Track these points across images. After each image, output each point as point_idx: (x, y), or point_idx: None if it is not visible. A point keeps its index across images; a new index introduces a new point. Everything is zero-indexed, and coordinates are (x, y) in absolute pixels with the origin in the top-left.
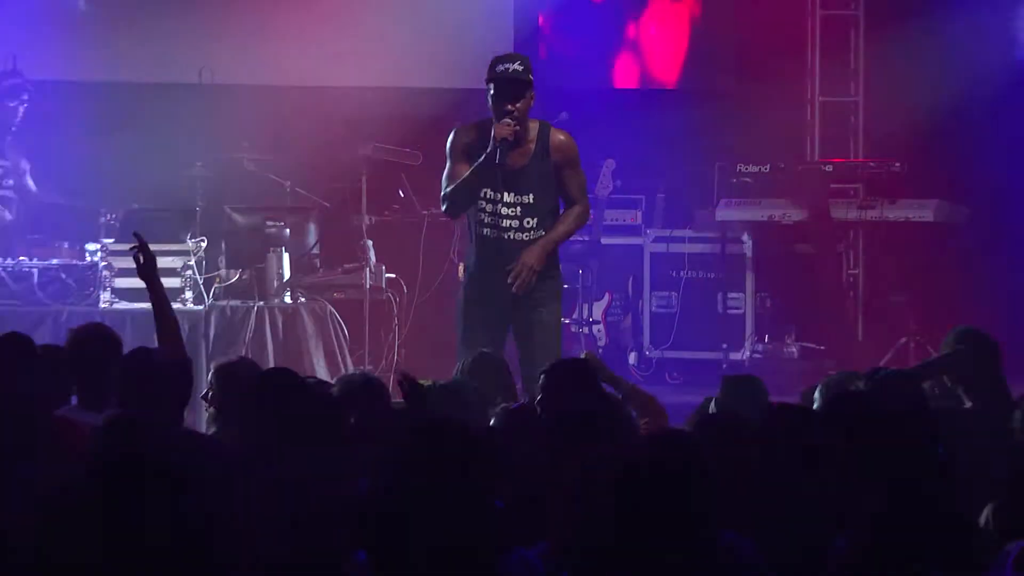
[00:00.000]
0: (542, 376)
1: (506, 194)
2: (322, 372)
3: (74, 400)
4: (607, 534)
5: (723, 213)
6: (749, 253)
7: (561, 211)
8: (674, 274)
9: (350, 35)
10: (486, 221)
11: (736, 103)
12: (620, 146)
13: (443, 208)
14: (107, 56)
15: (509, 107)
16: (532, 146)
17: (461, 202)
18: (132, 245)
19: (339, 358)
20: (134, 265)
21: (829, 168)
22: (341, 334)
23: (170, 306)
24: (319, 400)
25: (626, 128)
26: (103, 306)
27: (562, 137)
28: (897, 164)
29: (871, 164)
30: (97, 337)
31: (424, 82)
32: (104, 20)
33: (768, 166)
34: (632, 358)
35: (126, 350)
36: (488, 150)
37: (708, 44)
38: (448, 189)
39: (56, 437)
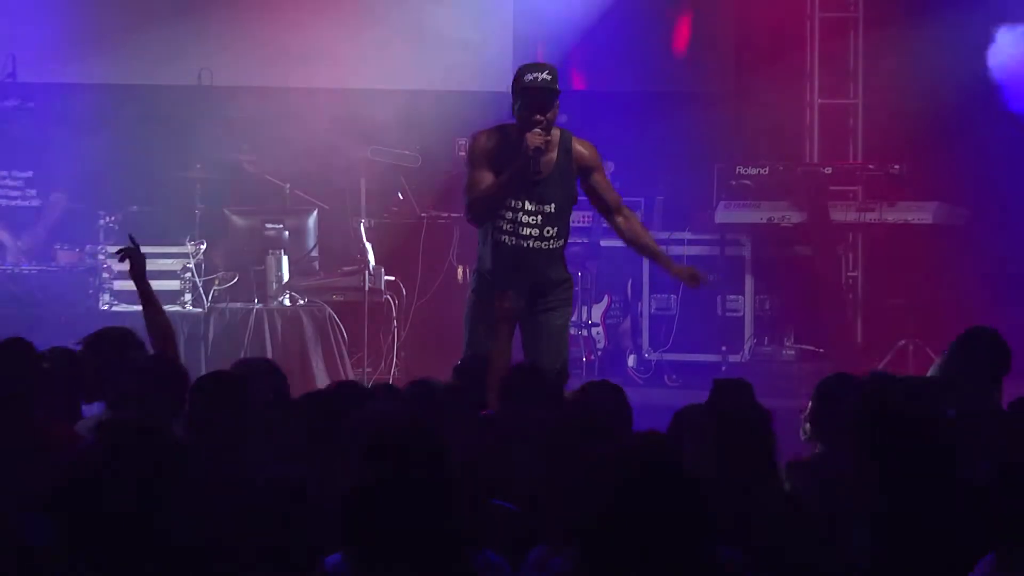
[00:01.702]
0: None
1: (527, 203)
2: (321, 374)
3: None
4: (601, 537)
5: (722, 215)
6: (748, 255)
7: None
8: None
9: (349, 38)
10: (505, 228)
11: (735, 105)
12: (619, 148)
13: (468, 216)
14: (107, 59)
15: (538, 117)
16: (554, 155)
17: (489, 211)
18: (120, 248)
19: (338, 360)
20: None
21: (828, 170)
22: (340, 336)
23: (161, 309)
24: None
25: (625, 130)
26: (103, 308)
27: (584, 148)
28: (896, 166)
29: (870, 166)
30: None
31: (423, 84)
32: (103, 23)
33: (767, 168)
34: (631, 360)
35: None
36: (521, 160)
37: (707, 46)
38: (475, 197)
39: (56, 444)
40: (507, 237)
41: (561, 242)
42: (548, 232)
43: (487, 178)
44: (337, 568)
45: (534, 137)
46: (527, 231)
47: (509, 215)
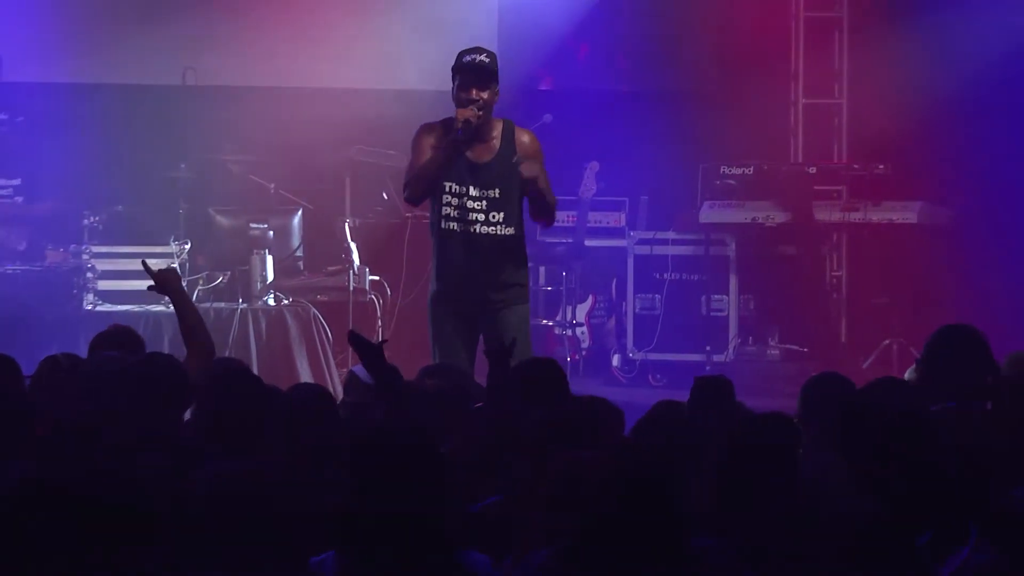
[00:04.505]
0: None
1: (472, 188)
2: (305, 374)
3: None
4: (583, 539)
5: (707, 215)
6: (733, 255)
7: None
8: (658, 276)
9: (334, 37)
10: (452, 215)
11: (720, 105)
12: (604, 148)
13: (405, 195)
14: (91, 58)
15: (474, 95)
16: (497, 143)
17: (423, 186)
18: (149, 285)
19: (322, 360)
20: (118, 268)
21: (813, 170)
22: (325, 336)
23: (195, 312)
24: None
25: (610, 130)
26: (87, 308)
27: (526, 136)
28: (881, 166)
29: (855, 166)
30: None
31: (408, 84)
32: (88, 22)
33: (752, 168)
34: (616, 360)
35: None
36: (451, 134)
37: (692, 46)
38: (411, 175)
39: None
40: (455, 224)
41: (510, 230)
42: (494, 217)
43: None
44: (323, 568)
45: (464, 111)
46: (473, 216)
47: (455, 201)
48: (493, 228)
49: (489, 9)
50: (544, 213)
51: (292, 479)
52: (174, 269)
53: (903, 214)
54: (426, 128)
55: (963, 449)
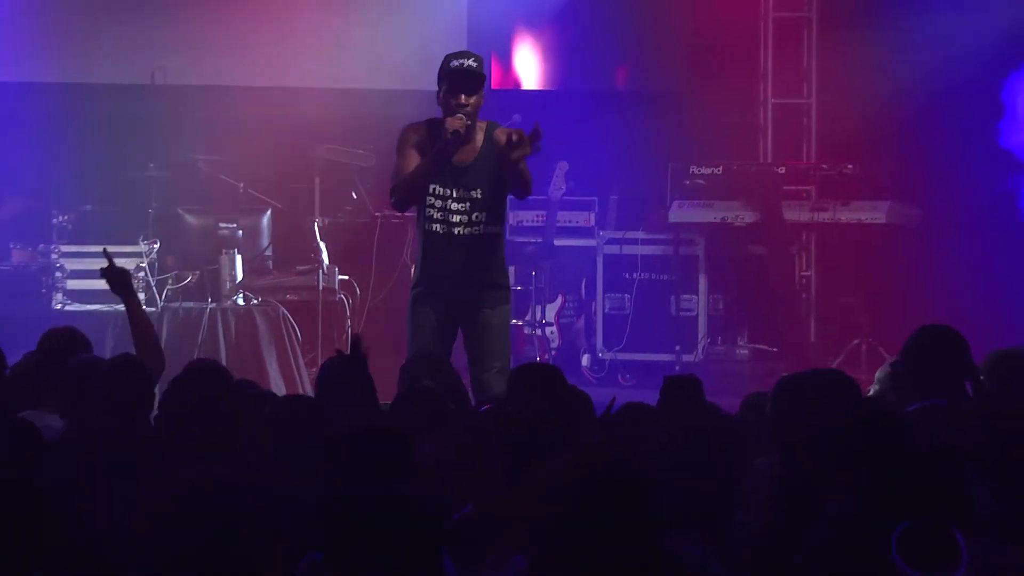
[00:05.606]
0: (509, 378)
1: (455, 190)
2: (275, 373)
3: None
4: (560, 540)
5: (676, 215)
6: (702, 255)
7: (507, 209)
8: (627, 276)
9: (303, 36)
10: (435, 217)
11: (689, 104)
12: (573, 148)
13: (392, 201)
14: (60, 57)
15: (463, 101)
16: (480, 144)
17: (410, 194)
18: (102, 266)
19: (292, 360)
20: (87, 267)
21: (782, 170)
22: (294, 336)
23: (146, 319)
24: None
25: (579, 130)
26: (56, 307)
27: (502, 134)
28: (850, 166)
29: (824, 166)
30: (67, 340)
31: (377, 84)
32: (56, 21)
33: (721, 168)
34: (585, 360)
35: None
36: (439, 143)
37: (661, 45)
38: (398, 181)
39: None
40: (438, 226)
41: (495, 228)
42: (477, 218)
43: (412, 166)
44: (312, 569)
45: (454, 121)
46: (456, 218)
47: (438, 203)
48: (475, 228)
49: (458, 9)
50: (520, 183)
51: (274, 479)
52: (127, 271)
53: (872, 214)
54: (411, 129)
55: (952, 449)
